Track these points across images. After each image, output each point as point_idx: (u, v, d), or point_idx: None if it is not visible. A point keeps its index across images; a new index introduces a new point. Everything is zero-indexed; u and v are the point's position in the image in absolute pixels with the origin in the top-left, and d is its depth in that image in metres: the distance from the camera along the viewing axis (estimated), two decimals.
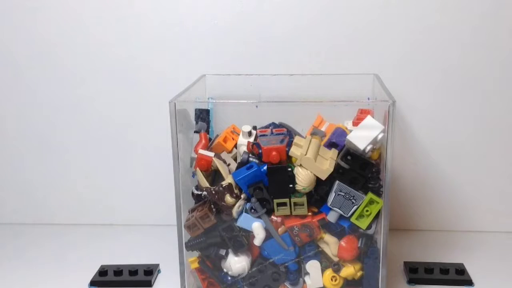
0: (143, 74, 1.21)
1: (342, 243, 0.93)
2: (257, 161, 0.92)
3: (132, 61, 1.21)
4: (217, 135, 1.03)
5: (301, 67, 1.18)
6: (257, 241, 0.93)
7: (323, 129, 1.00)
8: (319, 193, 0.92)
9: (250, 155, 0.94)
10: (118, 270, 1.06)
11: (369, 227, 0.92)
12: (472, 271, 1.05)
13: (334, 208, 0.91)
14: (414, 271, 1.05)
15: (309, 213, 0.92)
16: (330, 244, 0.93)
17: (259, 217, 0.92)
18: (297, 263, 0.95)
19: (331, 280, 0.95)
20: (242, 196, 0.92)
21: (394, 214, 1.13)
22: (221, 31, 1.19)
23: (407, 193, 1.23)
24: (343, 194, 0.90)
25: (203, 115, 1.02)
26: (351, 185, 0.90)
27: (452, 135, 1.20)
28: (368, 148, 0.88)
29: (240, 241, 0.93)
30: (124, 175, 1.27)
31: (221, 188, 0.91)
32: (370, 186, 0.91)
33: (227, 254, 0.95)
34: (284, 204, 0.91)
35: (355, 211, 0.91)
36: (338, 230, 0.93)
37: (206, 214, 0.93)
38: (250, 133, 0.97)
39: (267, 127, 0.99)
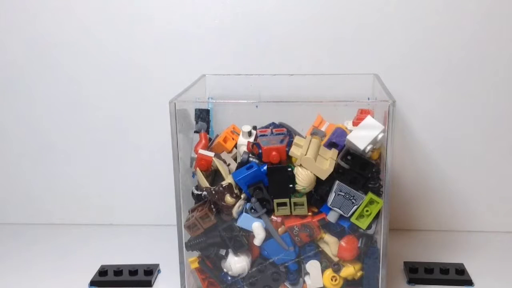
0: (143, 74, 1.21)
1: (342, 243, 0.93)
2: (257, 161, 0.92)
3: (132, 61, 1.21)
4: (217, 135, 1.03)
5: (301, 67, 1.18)
6: (257, 241, 0.93)
7: (323, 129, 1.00)
8: (319, 193, 0.92)
9: (250, 155, 0.94)
10: (118, 270, 1.06)
11: (369, 227, 0.92)
12: (472, 271, 1.05)
13: (334, 208, 0.91)
14: (414, 271, 1.05)
15: (309, 213, 0.92)
16: (330, 244, 0.93)
17: (259, 217, 0.92)
18: (297, 263, 0.95)
19: (331, 280, 0.95)
20: (242, 196, 0.92)
21: (394, 214, 1.13)
22: (221, 31, 1.19)
23: (407, 193, 1.23)
24: (343, 194, 0.90)
25: (203, 115, 1.02)
26: (351, 185, 0.90)
27: (452, 135, 1.20)
28: (368, 148, 0.88)
29: (240, 241, 0.93)
30: (124, 175, 1.27)
31: (221, 188, 0.91)
32: (370, 186, 0.91)
33: (227, 254, 0.95)
34: (284, 204, 0.91)
35: (355, 211, 0.91)
36: (338, 230, 0.93)
37: (206, 214, 0.93)
38: (250, 133, 0.97)
39: (267, 127, 0.99)
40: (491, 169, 1.22)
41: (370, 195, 0.91)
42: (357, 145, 0.88)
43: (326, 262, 0.95)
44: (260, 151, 0.91)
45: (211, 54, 1.20)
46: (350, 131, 0.92)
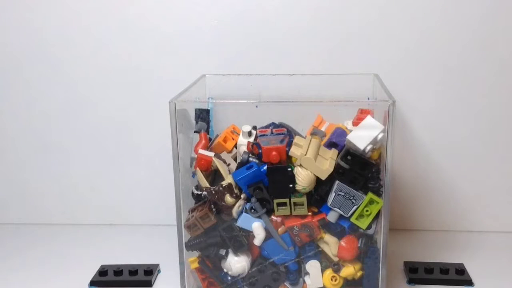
0: (143, 74, 1.21)
1: (342, 243, 0.93)
2: (257, 161, 0.92)
3: (132, 61, 1.21)
4: (217, 135, 1.03)
5: (301, 67, 1.18)
6: (257, 241, 0.93)
7: (323, 129, 1.00)
8: (319, 193, 0.92)
9: (250, 155, 0.94)
10: (118, 270, 1.06)
11: (369, 227, 0.92)
12: (472, 271, 1.05)
13: (334, 208, 0.91)
14: (414, 271, 1.05)
15: (309, 213, 0.92)
16: (330, 244, 0.93)
17: (259, 217, 0.92)
18: (297, 263, 0.95)
19: (331, 280, 0.95)
20: (242, 196, 0.92)
21: (394, 214, 1.13)
22: (221, 31, 1.19)
23: (407, 193, 1.23)
24: (343, 194, 0.90)
25: (203, 115, 1.02)
26: (351, 185, 0.90)
27: (452, 135, 1.20)
28: (368, 148, 0.88)
29: (240, 241, 0.93)
30: (124, 175, 1.27)
31: (221, 188, 0.91)
32: (370, 186, 0.91)
33: (227, 254, 0.95)
34: (284, 204, 0.91)
35: (355, 211, 0.91)
36: (338, 230, 0.93)
37: (206, 214, 0.93)
38: (250, 133, 0.97)
39: (267, 127, 0.99)
40: (491, 169, 1.22)
41: (370, 195, 0.91)
42: (357, 145, 0.88)
43: (326, 262, 0.95)
44: (260, 151, 0.91)
45: (211, 54, 1.20)
46: (350, 131, 0.92)
